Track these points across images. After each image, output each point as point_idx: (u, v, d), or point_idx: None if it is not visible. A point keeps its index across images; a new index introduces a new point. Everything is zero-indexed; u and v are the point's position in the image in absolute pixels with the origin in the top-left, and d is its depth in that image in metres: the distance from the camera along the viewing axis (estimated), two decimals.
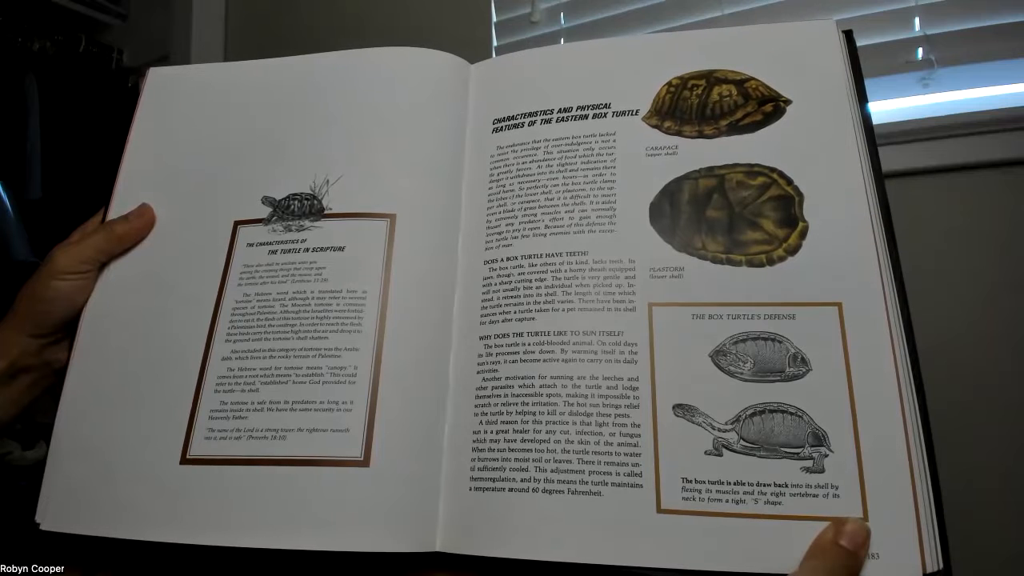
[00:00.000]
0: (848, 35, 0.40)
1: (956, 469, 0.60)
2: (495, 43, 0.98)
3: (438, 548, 0.34)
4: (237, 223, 0.41)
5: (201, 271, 0.40)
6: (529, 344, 0.36)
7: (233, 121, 0.45)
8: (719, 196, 0.37)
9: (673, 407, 0.34)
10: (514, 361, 0.36)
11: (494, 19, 0.99)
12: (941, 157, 0.72)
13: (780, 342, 0.34)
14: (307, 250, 0.40)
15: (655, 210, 0.38)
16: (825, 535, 0.30)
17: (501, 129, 0.43)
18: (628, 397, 0.34)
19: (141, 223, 0.42)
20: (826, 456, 0.32)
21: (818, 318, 0.34)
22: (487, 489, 0.34)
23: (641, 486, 0.32)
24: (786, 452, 0.32)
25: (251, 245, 0.41)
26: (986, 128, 0.70)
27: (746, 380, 0.33)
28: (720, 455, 0.32)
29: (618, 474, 0.33)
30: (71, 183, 1.14)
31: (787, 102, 0.39)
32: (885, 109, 0.77)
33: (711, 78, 0.41)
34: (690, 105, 0.40)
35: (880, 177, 0.37)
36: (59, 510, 0.36)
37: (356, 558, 0.33)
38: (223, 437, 0.36)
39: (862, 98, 0.39)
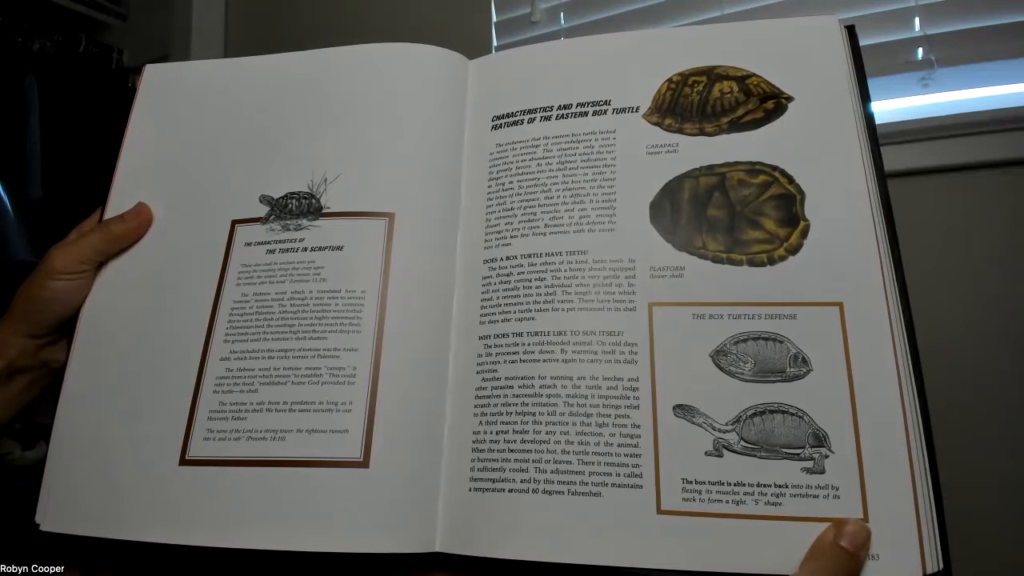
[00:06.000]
0: (851, 31, 0.40)
1: (956, 469, 0.60)
2: (495, 43, 0.98)
3: (438, 549, 0.34)
4: (235, 222, 0.41)
5: (199, 271, 0.40)
6: (529, 344, 0.36)
7: (230, 118, 0.45)
8: (720, 195, 0.37)
9: (673, 407, 0.33)
10: (514, 361, 0.36)
11: (494, 19, 0.99)
12: (941, 157, 0.72)
13: (781, 342, 0.34)
14: (305, 249, 0.40)
15: (655, 209, 0.38)
16: (825, 536, 0.30)
17: (500, 126, 0.43)
18: (628, 397, 0.34)
19: (138, 223, 0.42)
20: (827, 457, 0.31)
21: (819, 318, 0.34)
22: (487, 490, 0.34)
23: (641, 487, 0.32)
24: (786, 453, 0.32)
25: (249, 244, 0.41)
26: (986, 128, 0.70)
27: (747, 380, 0.33)
28: (720, 456, 0.32)
29: (618, 475, 0.33)
30: (71, 183, 1.14)
31: (789, 99, 0.39)
32: (885, 109, 0.77)
33: (712, 74, 0.40)
34: (691, 102, 0.40)
35: (882, 175, 0.37)
36: (59, 510, 0.36)
37: (356, 559, 0.33)
38: (222, 438, 0.36)
39: (864, 94, 0.38)
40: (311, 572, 0.36)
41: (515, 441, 0.34)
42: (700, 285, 0.35)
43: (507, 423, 0.35)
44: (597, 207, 0.38)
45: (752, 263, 0.35)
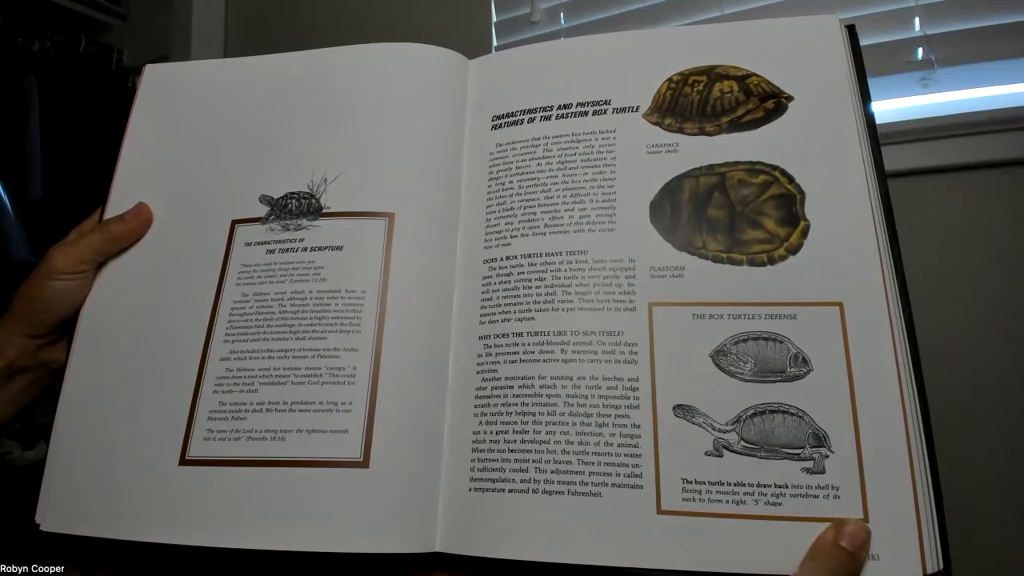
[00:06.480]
0: (851, 30, 0.40)
1: (956, 469, 0.60)
2: (495, 43, 0.98)
3: (437, 549, 0.34)
4: (235, 222, 0.41)
5: (199, 271, 0.40)
6: (529, 344, 0.36)
7: (230, 118, 0.45)
8: (720, 194, 0.37)
9: (673, 408, 0.33)
10: (514, 361, 0.36)
11: (494, 19, 0.99)
12: (941, 157, 0.72)
13: (781, 342, 0.34)
14: (305, 249, 0.40)
15: (655, 209, 0.38)
16: (825, 536, 0.30)
17: (500, 126, 0.43)
18: (628, 397, 0.34)
19: (138, 222, 0.42)
20: (827, 457, 0.31)
21: (819, 318, 0.34)
22: (487, 490, 0.34)
23: (641, 487, 0.32)
24: (787, 453, 0.32)
25: (249, 244, 0.41)
26: (986, 128, 0.70)
27: (747, 380, 0.33)
28: (720, 456, 0.32)
29: (618, 475, 0.33)
30: (71, 183, 1.14)
31: (789, 98, 0.39)
32: (885, 109, 0.77)
33: (712, 74, 0.40)
34: (691, 102, 0.40)
35: (883, 174, 0.37)
36: (59, 510, 0.36)
37: (356, 559, 0.33)
38: (222, 438, 0.36)
39: (864, 94, 0.38)
40: (311, 572, 0.36)
41: (515, 441, 0.34)
42: (700, 285, 0.35)
43: (507, 423, 0.35)
44: (597, 207, 0.38)
45: (752, 263, 0.35)
